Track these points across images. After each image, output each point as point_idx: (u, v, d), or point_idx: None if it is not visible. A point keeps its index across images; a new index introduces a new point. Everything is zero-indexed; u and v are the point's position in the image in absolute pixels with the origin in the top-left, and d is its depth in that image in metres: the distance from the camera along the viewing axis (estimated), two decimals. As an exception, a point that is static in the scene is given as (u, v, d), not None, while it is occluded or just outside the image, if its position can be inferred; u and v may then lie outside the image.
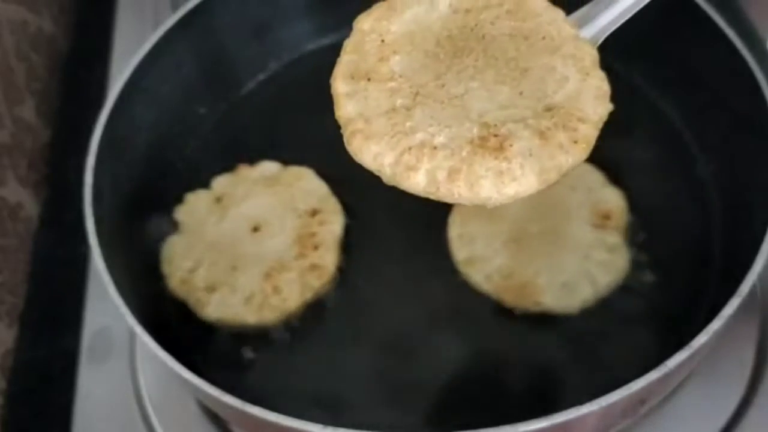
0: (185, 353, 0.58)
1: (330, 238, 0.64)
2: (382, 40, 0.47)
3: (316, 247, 0.64)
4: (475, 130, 0.42)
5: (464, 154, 0.42)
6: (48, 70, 0.90)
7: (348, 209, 0.66)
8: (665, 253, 0.62)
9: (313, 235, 0.64)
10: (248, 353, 0.61)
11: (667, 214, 0.65)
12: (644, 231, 0.64)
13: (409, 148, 0.42)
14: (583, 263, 0.61)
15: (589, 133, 0.44)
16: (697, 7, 0.64)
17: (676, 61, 0.68)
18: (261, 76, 0.77)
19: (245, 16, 0.73)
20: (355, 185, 0.62)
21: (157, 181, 0.68)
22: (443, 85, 0.44)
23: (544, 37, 0.47)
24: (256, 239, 0.65)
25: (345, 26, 0.78)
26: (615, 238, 0.62)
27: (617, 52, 0.73)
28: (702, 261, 0.62)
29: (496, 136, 0.42)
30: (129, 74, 0.64)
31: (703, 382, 0.60)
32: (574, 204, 0.64)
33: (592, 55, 0.48)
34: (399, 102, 0.44)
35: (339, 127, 0.45)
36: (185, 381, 0.49)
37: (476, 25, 0.47)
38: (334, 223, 0.65)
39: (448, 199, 0.42)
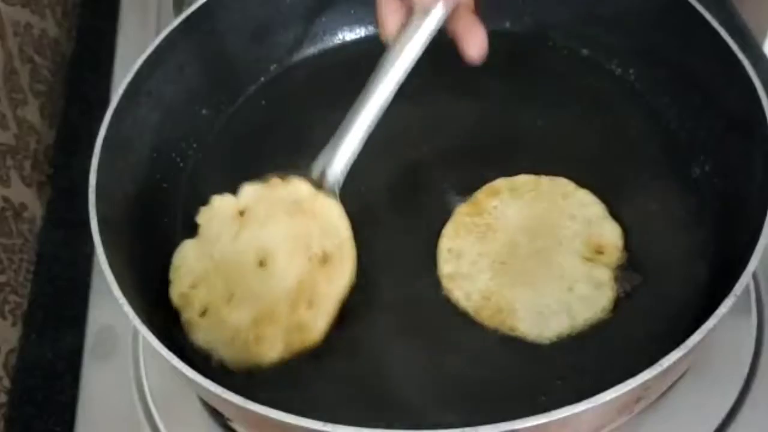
0: (188, 351, 0.59)
1: (329, 299, 0.58)
2: None
3: (310, 305, 0.58)
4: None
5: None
6: (52, 72, 0.90)
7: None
8: (660, 251, 0.62)
9: (314, 288, 0.58)
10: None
11: (662, 214, 0.65)
12: (639, 235, 0.63)
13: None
14: (565, 295, 0.60)
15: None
16: (692, 8, 0.65)
17: (670, 63, 0.68)
18: (263, 79, 0.77)
19: (247, 20, 0.74)
20: (353, 184, 0.62)
21: (161, 181, 0.69)
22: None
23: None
24: (259, 275, 0.60)
25: (346, 29, 0.80)
26: (603, 274, 0.61)
27: (613, 54, 0.74)
28: (697, 260, 0.62)
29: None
30: (132, 76, 0.65)
31: (699, 379, 0.60)
32: (570, 233, 0.63)
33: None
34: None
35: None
36: (188, 379, 0.50)
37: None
38: (340, 280, 0.58)
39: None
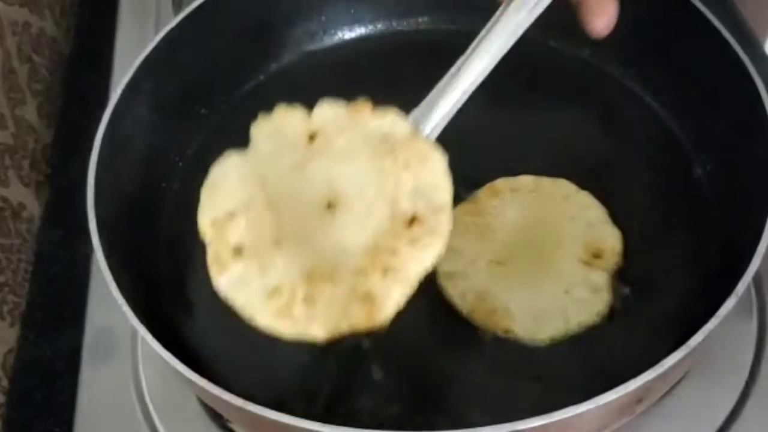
0: (187, 352, 0.59)
1: (411, 269, 0.45)
2: None
3: (385, 272, 0.45)
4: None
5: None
6: (50, 71, 0.90)
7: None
8: (661, 251, 0.63)
9: (394, 253, 0.45)
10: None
11: (663, 213, 0.65)
12: (640, 235, 0.63)
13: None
14: (561, 298, 0.60)
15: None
16: (694, 7, 0.64)
17: (672, 62, 0.68)
18: (262, 78, 0.77)
19: (246, 18, 0.73)
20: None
21: (160, 181, 0.69)
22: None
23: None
24: (324, 220, 0.47)
25: (345, 28, 0.79)
26: (601, 279, 0.60)
27: (614, 54, 0.74)
28: (698, 261, 0.62)
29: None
30: (131, 75, 0.64)
31: (700, 381, 0.60)
32: (569, 236, 0.63)
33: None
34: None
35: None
36: (187, 380, 0.50)
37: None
38: (428, 250, 0.46)
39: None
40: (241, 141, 0.73)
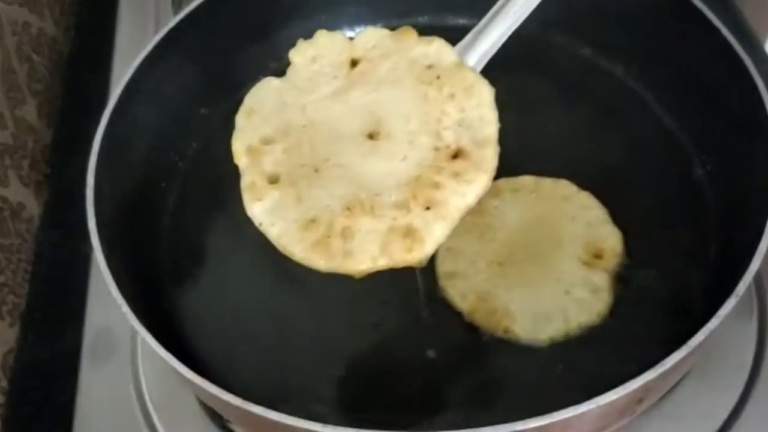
0: (186, 351, 0.59)
1: (453, 204, 0.44)
2: None
3: (427, 207, 0.44)
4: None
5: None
6: (50, 71, 0.90)
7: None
8: (661, 252, 0.62)
9: (436, 186, 0.44)
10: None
11: (664, 214, 0.65)
12: (640, 236, 0.63)
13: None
14: (561, 298, 0.60)
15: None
16: (695, 7, 0.64)
17: (672, 62, 0.68)
18: (261, 77, 0.77)
19: (246, 18, 0.73)
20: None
21: (159, 181, 0.69)
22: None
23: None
24: (365, 150, 0.45)
25: (344, 27, 0.79)
26: (601, 280, 0.60)
27: (615, 53, 0.74)
28: (698, 261, 0.62)
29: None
30: (131, 75, 0.64)
31: (701, 381, 0.60)
32: (570, 236, 0.63)
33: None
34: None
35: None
36: (187, 380, 0.50)
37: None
38: (471, 185, 0.45)
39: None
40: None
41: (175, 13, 0.72)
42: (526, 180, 0.66)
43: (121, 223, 0.61)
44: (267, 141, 0.47)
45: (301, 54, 0.49)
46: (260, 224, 0.46)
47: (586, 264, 0.61)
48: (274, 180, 0.46)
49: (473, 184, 0.44)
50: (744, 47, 0.61)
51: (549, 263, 0.62)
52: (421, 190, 0.44)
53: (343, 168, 0.45)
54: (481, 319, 0.60)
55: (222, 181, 0.70)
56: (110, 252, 0.55)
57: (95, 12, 0.95)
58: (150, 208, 0.67)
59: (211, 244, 0.67)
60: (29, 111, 0.84)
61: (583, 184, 0.66)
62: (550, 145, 0.69)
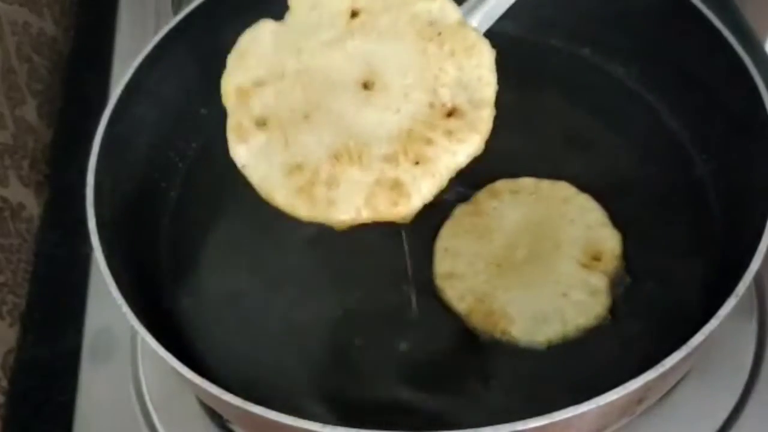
0: (187, 351, 0.59)
1: (443, 162, 0.44)
2: None
3: (417, 162, 0.43)
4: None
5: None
6: (50, 71, 0.90)
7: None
8: (661, 253, 0.62)
9: (428, 142, 0.43)
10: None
11: (664, 214, 0.65)
12: (640, 235, 0.63)
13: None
14: (560, 300, 0.59)
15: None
16: (694, 7, 0.64)
17: (672, 62, 0.68)
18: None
19: (246, 19, 0.73)
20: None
21: (159, 181, 0.69)
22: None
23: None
24: (358, 99, 0.45)
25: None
26: (599, 282, 0.60)
27: (615, 54, 0.74)
28: (698, 261, 0.62)
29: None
30: (131, 75, 0.64)
31: (701, 381, 0.60)
32: (569, 238, 0.63)
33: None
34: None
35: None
36: (186, 380, 0.50)
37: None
38: (463, 144, 0.44)
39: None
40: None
41: (175, 13, 0.72)
42: (526, 181, 0.66)
43: (121, 223, 0.61)
44: (258, 83, 0.46)
45: (300, 0, 0.48)
46: (243, 166, 0.45)
47: (585, 266, 0.61)
48: (261, 123, 0.45)
49: (465, 144, 0.44)
50: (744, 47, 0.61)
51: (547, 265, 0.62)
52: (411, 145, 0.43)
53: (334, 115, 0.44)
54: (478, 321, 0.60)
55: (222, 181, 0.71)
56: (110, 252, 0.55)
57: (95, 12, 0.95)
58: (150, 208, 0.67)
59: (211, 244, 0.67)
60: (29, 111, 0.84)
61: (583, 186, 0.66)
62: (549, 147, 0.69)
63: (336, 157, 0.43)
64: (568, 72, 0.75)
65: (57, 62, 0.92)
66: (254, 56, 0.47)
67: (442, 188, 0.44)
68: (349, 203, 0.43)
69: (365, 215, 0.43)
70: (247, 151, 0.45)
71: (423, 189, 0.43)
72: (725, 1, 0.85)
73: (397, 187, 0.43)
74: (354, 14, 0.47)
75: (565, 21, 0.75)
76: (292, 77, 0.45)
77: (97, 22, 0.93)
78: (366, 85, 0.45)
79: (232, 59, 0.47)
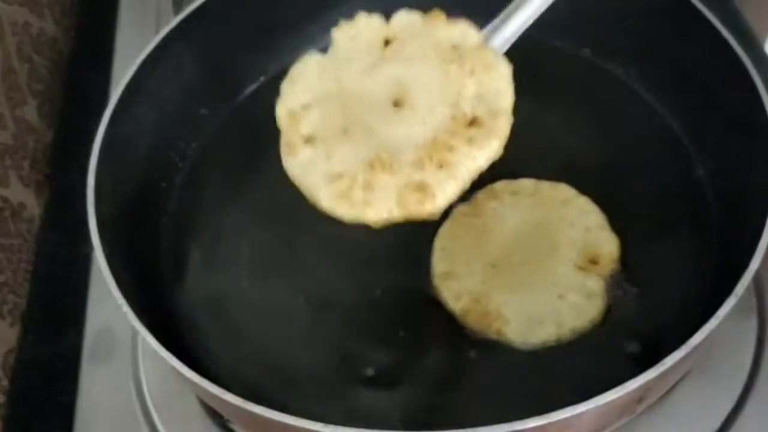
0: (187, 351, 0.59)
1: (465, 165, 0.49)
2: None
3: (441, 166, 0.49)
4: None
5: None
6: (50, 72, 0.90)
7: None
8: (661, 252, 0.62)
9: (450, 149, 0.49)
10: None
11: (663, 214, 0.65)
12: (640, 235, 0.63)
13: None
14: (555, 302, 0.59)
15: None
16: (694, 7, 0.65)
17: (672, 63, 0.68)
18: (262, 78, 0.77)
19: (246, 19, 0.73)
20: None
21: (159, 181, 0.69)
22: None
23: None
24: (389, 115, 0.51)
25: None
26: (596, 285, 0.60)
27: (614, 54, 0.74)
28: (698, 261, 0.62)
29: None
30: (131, 76, 0.65)
31: (701, 380, 0.60)
32: (567, 240, 0.63)
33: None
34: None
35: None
36: (187, 380, 0.50)
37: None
38: (483, 150, 0.50)
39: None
40: (242, 140, 0.73)
41: (176, 13, 0.72)
42: (526, 183, 0.66)
43: (121, 223, 0.61)
44: (307, 106, 0.53)
45: (342, 33, 0.54)
46: (293, 177, 0.52)
47: (582, 269, 0.61)
48: (308, 140, 0.52)
49: (485, 149, 0.50)
50: (743, 47, 0.61)
51: (544, 267, 0.62)
52: (436, 152, 0.49)
53: (369, 130, 0.51)
54: (474, 321, 0.60)
55: (222, 181, 0.71)
56: (110, 252, 0.56)
57: (95, 12, 0.95)
58: (150, 208, 0.67)
59: (211, 243, 0.67)
60: (30, 111, 0.84)
61: (582, 187, 0.66)
62: (549, 148, 0.69)
63: (371, 165, 0.50)
64: (568, 72, 0.75)
65: (57, 62, 0.92)
66: (301, 84, 0.54)
67: (465, 189, 0.50)
68: (383, 204, 0.49)
69: (397, 214, 0.49)
70: (296, 164, 0.51)
71: (447, 190, 0.49)
72: (725, 1, 0.85)
73: (423, 188, 0.49)
74: (387, 42, 0.53)
75: (565, 21, 0.75)
76: (333, 100, 0.52)
77: (97, 22, 0.93)
78: (396, 103, 0.52)
79: (284, 87, 0.54)
